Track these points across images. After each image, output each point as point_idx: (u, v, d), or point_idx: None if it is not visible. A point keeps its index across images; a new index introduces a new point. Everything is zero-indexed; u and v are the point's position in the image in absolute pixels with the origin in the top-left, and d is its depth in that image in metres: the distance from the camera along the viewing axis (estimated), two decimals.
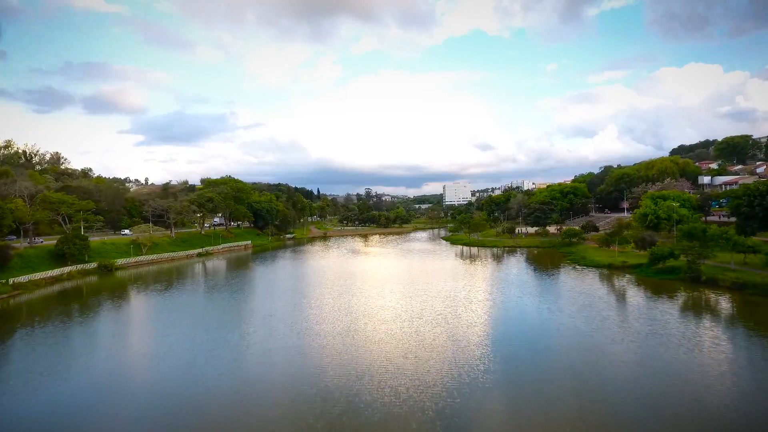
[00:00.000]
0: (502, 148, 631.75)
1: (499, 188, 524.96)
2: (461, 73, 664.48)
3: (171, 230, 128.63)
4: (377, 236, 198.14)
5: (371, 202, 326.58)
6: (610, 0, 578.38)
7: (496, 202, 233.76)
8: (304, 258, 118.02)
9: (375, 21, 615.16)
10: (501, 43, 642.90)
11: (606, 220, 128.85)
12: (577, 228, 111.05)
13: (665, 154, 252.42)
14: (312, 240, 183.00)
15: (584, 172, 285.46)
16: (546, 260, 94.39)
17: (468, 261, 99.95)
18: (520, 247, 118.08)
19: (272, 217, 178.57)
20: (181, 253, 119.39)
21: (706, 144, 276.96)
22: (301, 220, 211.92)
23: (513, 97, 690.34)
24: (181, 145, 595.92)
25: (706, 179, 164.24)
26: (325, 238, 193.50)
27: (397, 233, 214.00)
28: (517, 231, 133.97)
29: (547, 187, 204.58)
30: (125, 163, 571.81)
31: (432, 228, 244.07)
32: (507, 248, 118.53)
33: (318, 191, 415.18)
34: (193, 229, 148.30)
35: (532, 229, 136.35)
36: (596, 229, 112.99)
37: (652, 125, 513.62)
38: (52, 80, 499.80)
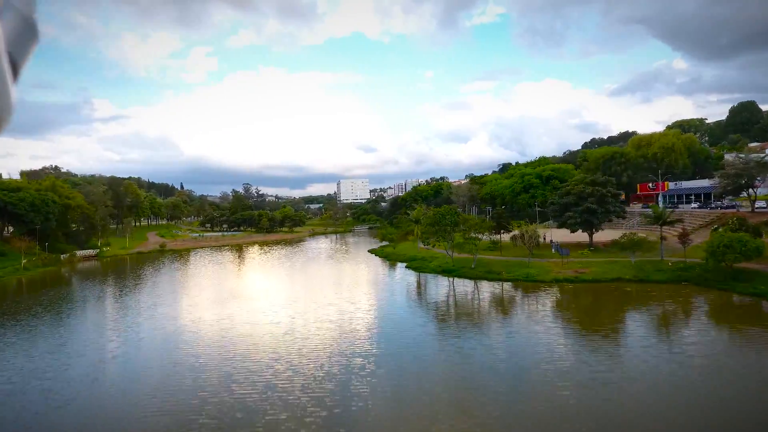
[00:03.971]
0: (385, 150, 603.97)
1: (391, 188, 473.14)
2: (343, 75, 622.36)
3: None
4: (256, 247, 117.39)
5: (252, 201, 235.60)
6: (480, 15, 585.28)
7: (423, 195, 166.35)
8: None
9: (251, 10, 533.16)
10: (381, 47, 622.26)
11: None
12: (749, 237, 43.68)
13: (527, 159, 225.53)
14: (133, 260, 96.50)
15: (462, 176, 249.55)
16: None
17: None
18: (587, 281, 48.64)
19: (42, 218, 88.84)
20: None
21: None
22: (122, 223, 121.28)
23: (394, 101, 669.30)
24: (22, 138, 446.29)
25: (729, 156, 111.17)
26: (163, 252, 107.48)
27: (287, 241, 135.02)
28: (547, 238, 64.01)
29: (504, 170, 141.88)
30: None
31: (336, 232, 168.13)
32: (560, 286, 48.81)
33: (182, 186, 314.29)
34: None
35: (558, 232, 68.49)
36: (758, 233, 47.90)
37: (516, 133, 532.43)
38: None
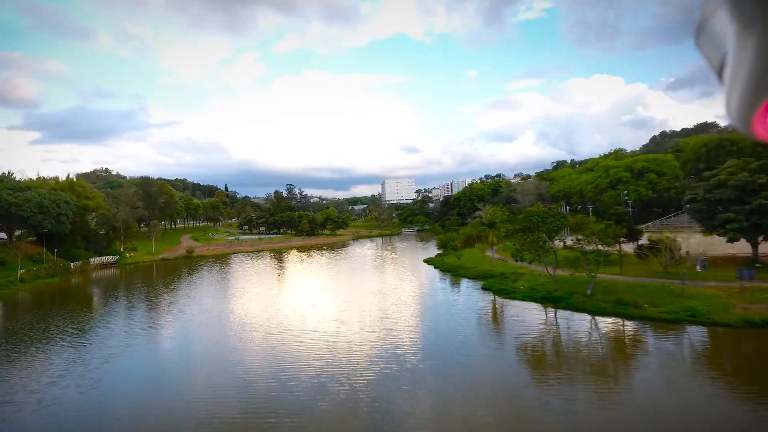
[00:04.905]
0: (428, 151, 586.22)
1: (437, 188, 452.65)
2: (386, 76, 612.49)
3: None
4: (294, 253, 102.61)
5: (295, 202, 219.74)
6: (526, 11, 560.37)
7: (479, 194, 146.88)
8: None
9: (296, 14, 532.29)
10: (424, 48, 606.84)
11: None
12: None
13: (577, 158, 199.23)
14: (156, 268, 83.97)
15: (510, 176, 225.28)
16: None
17: None
18: None
19: (53, 221, 77.37)
20: None
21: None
22: (151, 225, 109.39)
23: (437, 101, 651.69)
24: (86, 143, 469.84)
25: None
26: (189, 259, 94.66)
27: (328, 245, 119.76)
28: (692, 253, 43.99)
29: (579, 165, 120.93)
30: (19, 164, 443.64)
31: (381, 235, 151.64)
32: (761, 334, 29.56)
33: (226, 187, 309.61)
34: None
35: (694, 240, 48.33)
36: None
37: (565, 131, 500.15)
38: None
